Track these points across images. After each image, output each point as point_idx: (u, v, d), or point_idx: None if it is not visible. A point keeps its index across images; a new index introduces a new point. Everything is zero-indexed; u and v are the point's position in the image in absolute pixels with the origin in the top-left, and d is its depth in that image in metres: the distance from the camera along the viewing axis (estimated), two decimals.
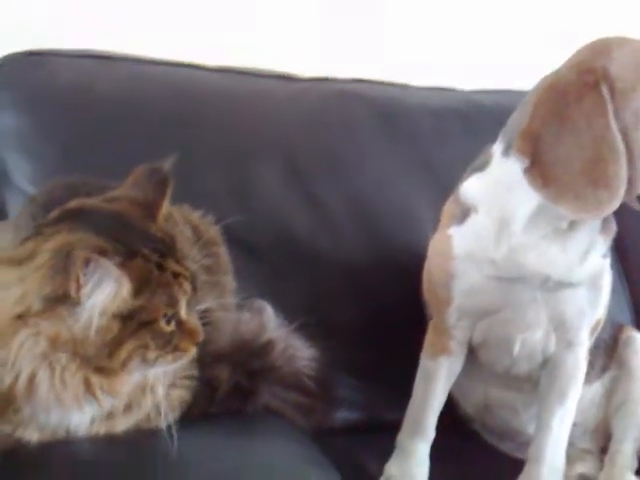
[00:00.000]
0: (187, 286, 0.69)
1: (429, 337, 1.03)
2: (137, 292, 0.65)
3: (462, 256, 0.92)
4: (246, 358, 0.80)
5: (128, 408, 0.73)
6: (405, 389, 1.05)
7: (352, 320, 1.23)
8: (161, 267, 0.67)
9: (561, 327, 0.94)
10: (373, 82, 1.41)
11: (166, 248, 0.69)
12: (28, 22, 1.33)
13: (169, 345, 0.68)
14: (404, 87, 1.42)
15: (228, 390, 0.77)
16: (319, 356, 0.85)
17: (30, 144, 1.14)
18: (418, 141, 1.35)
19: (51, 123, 1.18)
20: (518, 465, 1.01)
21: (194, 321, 0.71)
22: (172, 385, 0.75)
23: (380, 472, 1.02)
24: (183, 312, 0.69)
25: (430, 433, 1.01)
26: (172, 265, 0.68)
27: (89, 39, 1.30)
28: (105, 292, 0.63)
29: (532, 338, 0.95)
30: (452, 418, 1.13)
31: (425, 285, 1.03)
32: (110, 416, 0.72)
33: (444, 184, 1.30)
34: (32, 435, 0.71)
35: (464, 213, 0.93)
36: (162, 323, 0.67)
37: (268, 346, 0.82)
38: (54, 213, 0.70)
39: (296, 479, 0.68)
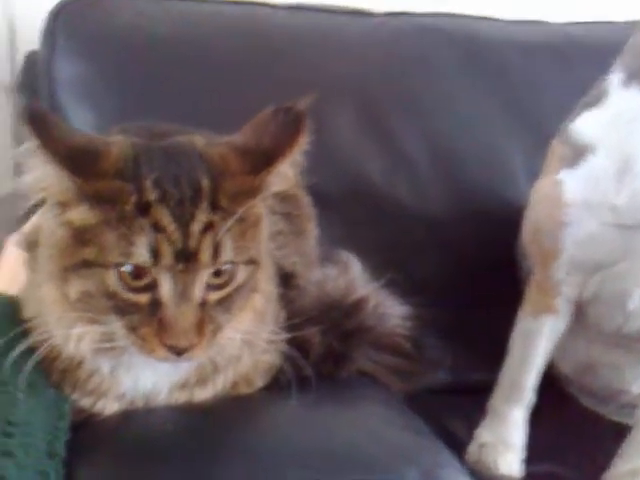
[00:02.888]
0: (183, 259, 0.54)
1: (530, 294, 0.94)
2: (90, 207, 0.54)
3: (576, 202, 0.82)
4: (337, 319, 0.72)
5: (209, 374, 0.66)
6: (492, 349, 0.98)
7: (434, 275, 1.15)
8: (146, 210, 0.53)
9: None
10: (455, 16, 1.28)
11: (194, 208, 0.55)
12: None
13: (126, 322, 0.55)
14: (490, 21, 1.29)
15: (320, 354, 0.69)
16: (411, 314, 0.76)
17: (90, 90, 1.08)
18: (506, 79, 1.23)
19: (111, 68, 1.11)
20: (620, 430, 0.93)
21: (182, 314, 0.54)
22: (260, 350, 0.67)
23: (469, 437, 0.95)
24: (165, 289, 0.54)
25: (529, 397, 0.94)
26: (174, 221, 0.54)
27: None
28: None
29: None
30: (546, 379, 1.03)
31: (527, 236, 0.93)
32: (187, 384, 0.66)
33: (536, 125, 1.21)
34: (112, 406, 0.65)
35: (577, 154, 0.82)
36: (111, 277, 0.54)
37: (358, 305, 0.74)
38: None
39: (404, 451, 0.60)
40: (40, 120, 0.54)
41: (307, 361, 0.66)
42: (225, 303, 0.58)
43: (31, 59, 1.15)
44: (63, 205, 0.56)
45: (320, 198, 0.98)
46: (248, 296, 0.61)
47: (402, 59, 1.20)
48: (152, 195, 0.54)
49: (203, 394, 0.66)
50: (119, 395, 0.65)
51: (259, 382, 0.70)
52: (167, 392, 0.65)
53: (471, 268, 1.15)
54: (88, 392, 0.64)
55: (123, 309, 0.55)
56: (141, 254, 0.53)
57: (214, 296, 0.57)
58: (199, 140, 0.61)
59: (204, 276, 0.55)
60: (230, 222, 0.55)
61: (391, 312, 0.76)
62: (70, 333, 0.59)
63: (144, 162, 0.56)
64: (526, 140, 1.21)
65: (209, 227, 0.54)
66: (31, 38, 1.11)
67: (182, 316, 0.54)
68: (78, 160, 0.54)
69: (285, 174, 0.60)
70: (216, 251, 0.55)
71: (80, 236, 0.55)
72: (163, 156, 0.58)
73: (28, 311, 0.64)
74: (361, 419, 0.66)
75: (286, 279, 0.74)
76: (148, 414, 0.64)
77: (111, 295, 0.55)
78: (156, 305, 0.55)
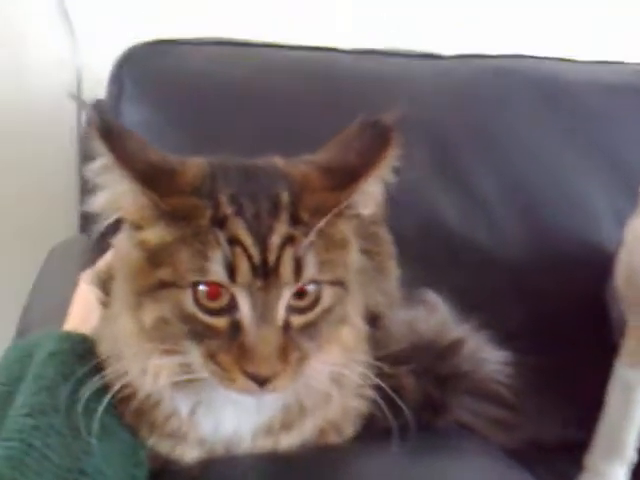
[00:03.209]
0: (261, 275, 0.49)
1: (629, 342, 0.88)
2: (166, 225, 0.51)
3: None
4: (430, 362, 0.66)
5: (295, 418, 0.60)
6: (583, 402, 0.93)
7: (513, 321, 1.08)
8: (222, 225, 0.50)
9: None
10: (530, 57, 1.25)
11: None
12: (153, 12, 1.27)
13: (204, 350, 0.50)
14: (566, 62, 1.27)
15: (416, 400, 0.62)
16: (510, 360, 0.69)
17: (158, 137, 1.06)
18: (586, 120, 1.20)
19: (179, 114, 1.10)
20: None
21: (264, 337, 0.49)
22: (350, 394, 0.61)
23: None
24: (244, 309, 0.50)
25: (630, 453, 0.88)
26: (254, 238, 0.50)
27: (214, 28, 1.22)
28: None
29: None
30: None
31: (621, 279, 0.88)
32: (271, 429, 0.60)
33: (618, 165, 1.16)
34: (191, 452, 0.59)
35: None
36: (188, 298, 0.50)
37: (453, 347, 0.68)
38: None
39: None
40: (114, 134, 0.52)
41: (401, 409, 0.59)
42: (310, 329, 0.52)
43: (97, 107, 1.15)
44: (138, 225, 0.53)
45: (394, 240, 0.94)
46: (336, 326, 0.55)
47: (477, 101, 1.17)
48: (228, 209, 0.50)
49: (289, 441, 0.60)
50: (199, 440, 0.59)
51: (349, 430, 0.64)
52: (250, 438, 0.59)
53: (553, 312, 1.09)
54: (166, 435, 0.59)
55: (201, 334, 0.51)
56: (216, 270, 0.49)
57: (298, 320, 0.52)
58: (279, 160, 0.58)
59: (286, 295, 0.50)
60: (312, 236, 0.50)
61: (488, 356, 0.69)
62: (146, 366, 0.54)
63: (221, 178, 0.53)
64: (608, 181, 1.16)
65: (289, 241, 0.50)
66: (96, 86, 1.13)
67: (263, 340, 0.49)
68: (154, 176, 0.51)
69: (372, 193, 0.56)
70: (298, 267, 0.50)
71: (155, 257, 0.51)
72: (241, 173, 0.55)
73: (102, 348, 0.60)
74: (469, 474, 0.59)
75: (371, 319, 0.68)
76: (230, 463, 0.58)
77: (188, 318, 0.51)
78: (236, 329, 0.50)
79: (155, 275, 0.51)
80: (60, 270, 1.00)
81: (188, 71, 1.13)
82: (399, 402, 0.59)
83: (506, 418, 0.68)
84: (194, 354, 0.51)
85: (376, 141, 0.54)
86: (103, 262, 0.71)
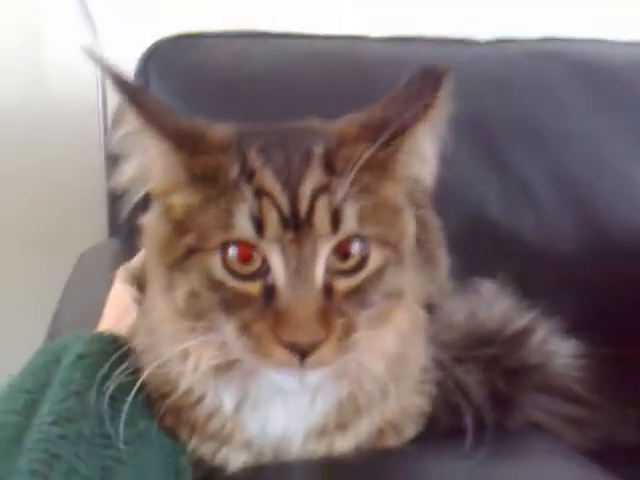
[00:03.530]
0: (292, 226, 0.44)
1: None
2: (194, 189, 0.47)
3: None
4: (497, 355, 0.59)
5: (350, 417, 0.53)
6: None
7: (563, 315, 1.00)
8: (250, 178, 0.46)
9: None
10: (567, 40, 1.18)
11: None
12: (174, 6, 1.23)
13: (237, 322, 0.45)
14: (604, 42, 1.19)
15: (482, 397, 0.56)
16: (582, 352, 0.62)
17: None
18: (630, 102, 1.12)
19: (206, 107, 1.04)
20: None
21: (300, 298, 0.44)
22: (408, 390, 0.55)
23: None
24: (277, 267, 0.44)
25: None
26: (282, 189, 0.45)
27: (238, 20, 1.18)
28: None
29: None
30: None
31: None
32: (325, 430, 0.54)
33: None
34: (236, 457, 0.53)
35: None
36: (216, 263, 0.45)
37: (519, 338, 0.61)
38: None
39: None
40: (141, 97, 0.48)
41: (467, 407, 0.53)
42: (358, 296, 0.46)
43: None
44: (165, 192, 0.49)
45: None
46: (389, 300, 0.49)
47: (515, 86, 1.11)
48: (257, 162, 0.46)
49: (344, 444, 0.54)
50: (245, 442, 0.53)
51: (409, 431, 0.57)
52: (302, 440, 0.53)
53: (605, 306, 1.01)
54: (208, 437, 0.53)
55: (233, 304, 0.45)
56: (242, 225, 0.44)
57: (342, 284, 0.46)
58: (316, 121, 0.54)
59: (324, 250, 0.45)
60: (348, 185, 0.45)
61: (557, 348, 0.62)
62: (185, 351, 0.49)
63: (250, 136, 0.49)
64: None
65: (324, 190, 0.45)
66: None
67: (300, 301, 0.43)
68: (183, 137, 0.48)
69: (422, 153, 0.50)
70: (335, 217, 0.45)
71: (182, 225, 0.47)
72: (272, 131, 0.51)
73: (137, 343, 0.54)
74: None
75: (426, 309, 0.62)
76: (281, 470, 0.52)
77: (217, 286, 0.46)
78: (270, 294, 0.45)
79: (182, 244, 0.47)
80: (90, 275, 0.95)
81: (214, 64, 1.09)
82: (463, 399, 0.52)
83: (581, 416, 0.62)
84: (228, 329, 0.45)
85: (424, 88, 0.48)
86: (136, 259, 0.67)
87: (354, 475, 0.52)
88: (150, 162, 0.49)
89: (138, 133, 0.48)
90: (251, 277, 0.45)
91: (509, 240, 1.03)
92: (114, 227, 1.13)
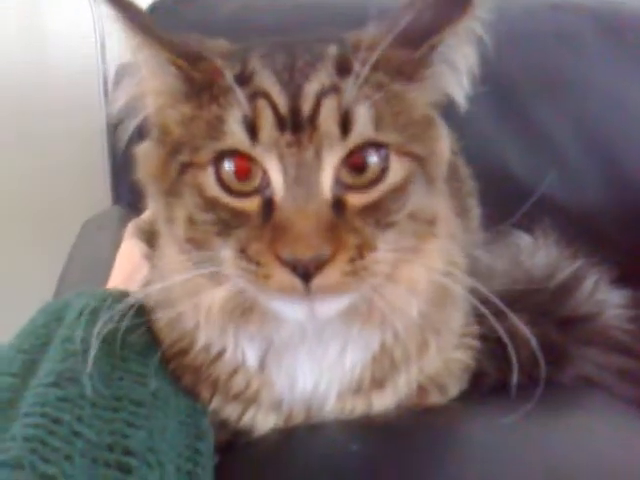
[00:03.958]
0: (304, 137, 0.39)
1: None
2: (191, 99, 0.42)
3: None
4: (546, 304, 0.54)
5: (386, 372, 0.48)
6: None
7: None
8: (247, 80, 0.40)
9: None
10: None
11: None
12: None
13: (233, 243, 0.40)
14: None
15: (533, 352, 0.50)
16: (633, 301, 0.57)
17: None
18: None
19: None
20: None
21: (300, 208, 0.38)
22: (450, 344, 0.49)
23: None
24: (274, 174, 0.39)
25: None
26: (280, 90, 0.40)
27: None
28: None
29: None
30: None
31: None
32: (361, 386, 0.48)
33: None
34: (265, 419, 0.48)
35: None
36: (208, 177, 0.40)
37: (570, 286, 0.56)
38: None
39: None
40: (139, 14, 0.44)
41: (517, 360, 0.48)
42: (375, 214, 0.40)
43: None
44: (162, 111, 0.44)
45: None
46: (415, 223, 0.42)
47: (539, 37, 1.06)
48: (257, 65, 0.41)
49: (382, 401, 0.49)
50: (274, 402, 0.48)
51: (453, 388, 0.52)
52: (336, 398, 0.48)
53: (631, 262, 0.97)
54: (232, 396, 0.48)
55: (229, 224, 0.40)
56: (233, 131, 0.39)
57: (356, 198, 0.40)
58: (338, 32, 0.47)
59: (331, 157, 0.39)
60: (371, 89, 0.40)
61: (607, 297, 0.57)
62: (198, 294, 0.44)
63: (257, 46, 0.44)
64: None
65: (333, 90, 0.39)
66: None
67: (301, 212, 0.38)
68: (183, 46, 0.43)
69: (453, 62, 0.44)
70: (346, 120, 0.39)
71: (177, 145, 0.42)
72: (283, 42, 0.45)
73: (150, 299, 0.49)
74: (603, 440, 0.47)
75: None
76: (315, 432, 0.46)
77: (211, 205, 0.40)
78: (268, 209, 0.39)
79: (176, 162, 0.42)
80: (94, 241, 0.91)
81: (215, 21, 1.04)
82: (513, 353, 0.47)
83: (633, 369, 0.56)
84: (225, 255, 0.40)
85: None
86: (146, 214, 0.62)
87: (394, 436, 0.46)
88: (149, 77, 0.44)
89: (137, 49, 0.43)
90: (249, 194, 0.40)
91: (533, 196, 0.98)
92: (117, 194, 1.08)
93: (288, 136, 0.38)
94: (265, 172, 0.39)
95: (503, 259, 0.58)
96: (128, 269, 0.58)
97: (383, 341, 0.47)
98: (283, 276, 0.37)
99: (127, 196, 1.04)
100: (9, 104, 1.18)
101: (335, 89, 0.39)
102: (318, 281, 0.37)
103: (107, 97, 1.17)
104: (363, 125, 0.39)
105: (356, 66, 0.40)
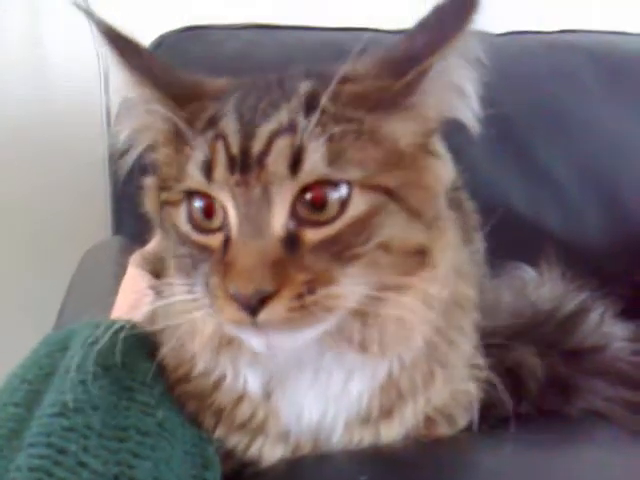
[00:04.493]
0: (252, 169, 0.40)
1: None
2: (170, 139, 0.45)
3: None
4: (553, 336, 0.54)
5: (394, 401, 0.48)
6: None
7: None
8: (215, 122, 0.42)
9: None
10: (583, 31, 1.16)
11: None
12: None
13: (201, 274, 0.42)
14: (620, 34, 1.17)
15: (542, 382, 0.50)
16: (634, 334, 0.57)
17: None
18: None
19: None
20: None
21: (246, 245, 0.39)
22: (457, 375, 0.49)
23: None
24: (230, 213, 0.40)
25: None
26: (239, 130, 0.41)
27: (245, 14, 1.15)
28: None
29: None
30: None
31: None
32: (369, 417, 0.48)
33: None
34: (272, 450, 0.47)
35: None
36: (180, 215, 0.43)
37: (576, 319, 0.56)
38: None
39: None
40: (134, 51, 0.46)
41: (526, 391, 0.48)
42: (335, 248, 0.40)
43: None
44: (156, 148, 0.47)
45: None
46: (396, 255, 0.42)
47: (537, 76, 1.07)
48: (230, 106, 0.42)
49: (390, 432, 0.48)
50: (281, 432, 0.47)
51: (461, 419, 0.52)
52: (344, 428, 0.47)
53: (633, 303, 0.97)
54: (237, 427, 0.47)
55: (198, 259, 0.42)
56: (192, 172, 0.41)
57: (313, 234, 0.40)
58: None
59: (282, 195, 0.39)
60: (330, 124, 0.39)
61: (613, 330, 0.57)
62: (194, 327, 0.45)
63: (247, 84, 0.45)
64: None
65: (288, 129, 0.39)
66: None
67: (247, 249, 0.39)
68: (177, 86, 0.45)
69: (454, 84, 0.43)
70: (297, 158, 0.39)
71: (162, 182, 0.45)
72: (271, 78, 0.45)
73: (156, 327, 0.49)
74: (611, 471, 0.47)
75: None
76: (323, 462, 0.46)
77: (184, 240, 0.43)
78: (227, 245, 0.40)
79: (160, 200, 0.45)
80: (95, 271, 0.90)
81: (221, 56, 1.06)
82: (521, 384, 0.47)
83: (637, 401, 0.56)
84: (197, 287, 0.42)
85: (450, 12, 0.42)
86: (151, 244, 0.62)
87: (402, 463, 0.46)
88: (144, 114, 0.46)
89: (134, 85, 0.45)
90: (214, 231, 0.42)
91: (533, 233, 0.98)
92: (118, 225, 1.08)
93: (237, 176, 0.40)
94: (225, 210, 0.41)
95: (509, 292, 0.58)
96: (132, 298, 0.58)
97: (390, 371, 0.46)
98: (232, 309, 0.39)
99: (128, 227, 1.04)
100: (10, 135, 1.18)
101: (292, 128, 0.40)
102: (263, 316, 0.38)
103: (109, 127, 1.18)
104: (314, 163, 0.39)
105: (322, 101, 0.40)
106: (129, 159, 0.49)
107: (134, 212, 1.02)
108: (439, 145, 0.46)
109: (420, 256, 0.43)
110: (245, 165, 0.39)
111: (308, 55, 1.06)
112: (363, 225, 0.40)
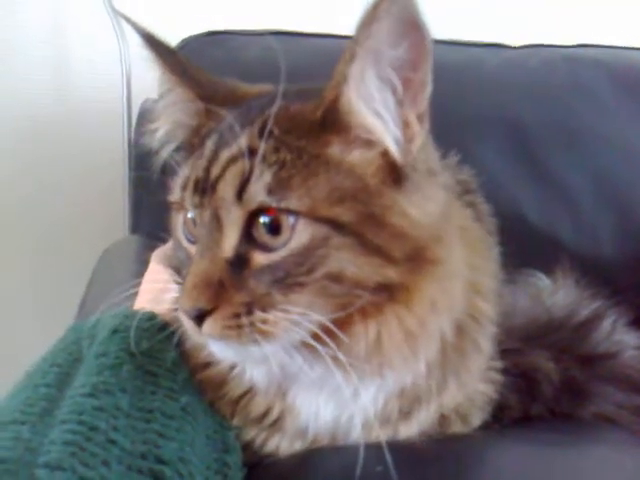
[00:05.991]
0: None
1: None
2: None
3: None
4: (568, 341, 0.55)
5: (412, 404, 0.49)
6: None
7: None
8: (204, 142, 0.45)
9: None
10: (600, 46, 1.17)
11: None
12: (206, 5, 1.22)
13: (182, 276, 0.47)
14: (637, 50, 1.17)
15: (556, 385, 0.52)
16: None
17: None
18: None
19: None
20: None
21: (195, 264, 0.42)
22: (472, 378, 0.51)
23: None
24: (179, 232, 0.48)
25: None
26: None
27: (266, 21, 1.17)
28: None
29: None
30: None
31: None
32: (389, 418, 0.49)
33: None
34: (290, 447, 0.49)
35: None
36: (178, 221, 0.48)
37: (590, 325, 0.57)
38: None
39: None
40: (174, 56, 0.49)
41: (540, 393, 0.49)
42: (278, 274, 0.41)
43: (145, 107, 1.10)
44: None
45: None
46: (342, 284, 0.41)
47: (554, 89, 1.08)
48: (220, 125, 0.45)
49: (408, 430, 0.50)
50: (299, 430, 0.49)
51: (475, 419, 0.53)
52: (361, 427, 0.48)
53: None
54: (252, 420, 0.49)
55: (185, 265, 0.46)
56: (175, 188, 0.45)
57: (261, 258, 0.41)
58: None
59: (232, 219, 0.41)
60: (284, 154, 0.41)
61: (625, 338, 0.58)
62: None
63: (248, 101, 0.48)
64: None
65: (244, 155, 0.41)
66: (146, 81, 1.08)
67: (195, 267, 0.42)
68: (210, 89, 0.49)
69: (368, 98, 0.43)
70: (245, 184, 0.41)
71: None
72: (262, 99, 0.47)
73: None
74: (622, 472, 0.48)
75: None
76: (342, 452, 0.47)
77: (178, 245, 0.47)
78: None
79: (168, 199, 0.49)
80: (115, 268, 0.92)
81: (243, 62, 1.07)
82: (536, 387, 0.48)
83: None
84: None
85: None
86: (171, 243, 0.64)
87: (419, 460, 0.47)
88: (181, 114, 0.49)
89: (171, 88, 0.48)
90: (195, 242, 0.45)
91: (546, 245, 0.99)
92: (135, 224, 1.10)
93: (197, 198, 0.43)
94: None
95: (524, 297, 0.59)
96: (155, 290, 0.60)
97: (402, 381, 0.47)
98: (184, 319, 0.43)
99: (145, 226, 1.05)
100: (30, 134, 1.20)
101: (250, 153, 0.41)
102: (204, 329, 0.42)
103: (130, 128, 1.20)
104: (256, 191, 0.41)
105: (276, 131, 0.42)
106: (161, 157, 0.51)
107: (151, 212, 1.04)
108: (428, 186, 0.45)
109: (387, 291, 0.42)
110: (204, 188, 0.42)
111: (329, 63, 1.07)
112: (307, 255, 0.41)
